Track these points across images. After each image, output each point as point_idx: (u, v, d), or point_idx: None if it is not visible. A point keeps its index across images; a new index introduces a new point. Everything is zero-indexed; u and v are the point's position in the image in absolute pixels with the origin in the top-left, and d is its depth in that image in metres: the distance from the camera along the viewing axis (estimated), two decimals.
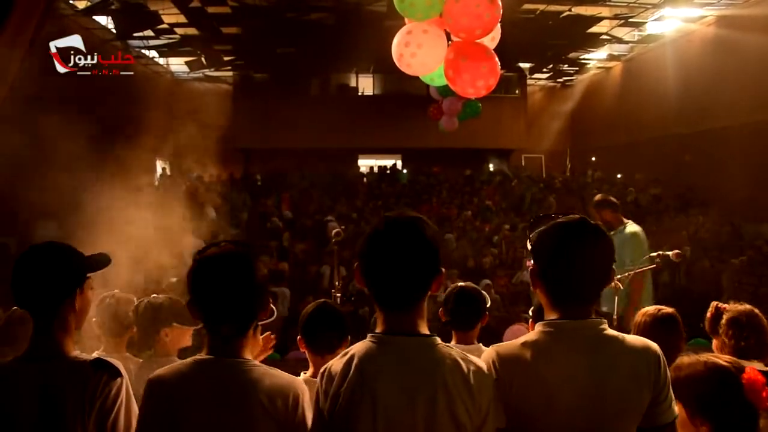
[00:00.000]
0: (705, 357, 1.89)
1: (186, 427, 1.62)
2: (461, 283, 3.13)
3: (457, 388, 1.54)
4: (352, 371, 1.57)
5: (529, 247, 1.82)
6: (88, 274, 1.97)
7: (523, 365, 1.66)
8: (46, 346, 1.84)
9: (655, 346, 1.71)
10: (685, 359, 1.93)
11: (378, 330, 1.65)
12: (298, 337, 2.53)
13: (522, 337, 1.74)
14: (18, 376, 1.79)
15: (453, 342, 2.99)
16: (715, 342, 2.81)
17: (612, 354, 1.66)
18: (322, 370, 1.66)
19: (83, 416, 1.74)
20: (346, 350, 1.65)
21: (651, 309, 2.95)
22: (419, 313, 1.65)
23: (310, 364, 2.50)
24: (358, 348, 1.62)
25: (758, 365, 2.50)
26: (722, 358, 1.88)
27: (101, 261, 2.03)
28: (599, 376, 1.63)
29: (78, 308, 1.92)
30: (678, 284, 10.19)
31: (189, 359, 1.71)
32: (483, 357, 1.72)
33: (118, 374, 1.81)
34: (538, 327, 1.73)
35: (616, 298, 4.54)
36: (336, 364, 1.62)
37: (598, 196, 5.67)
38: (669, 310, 2.90)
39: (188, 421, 1.62)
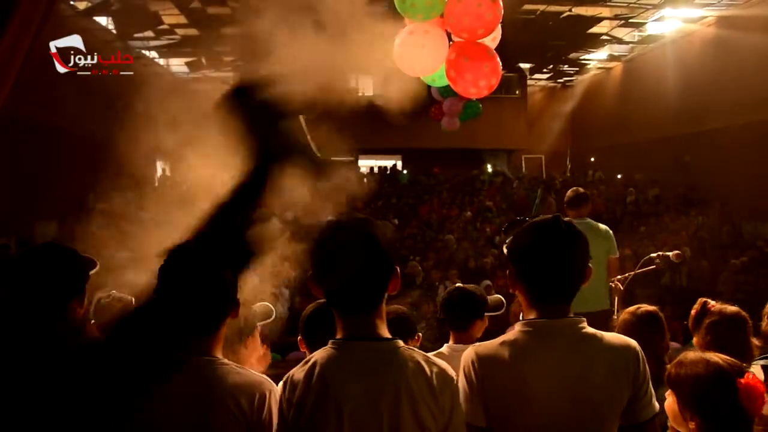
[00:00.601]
0: (709, 356, 1.90)
1: (150, 423, 1.60)
2: (459, 284, 3.14)
3: (420, 390, 1.53)
4: (314, 378, 1.55)
5: (505, 250, 1.83)
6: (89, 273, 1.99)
7: (502, 364, 1.67)
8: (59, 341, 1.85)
9: (633, 343, 1.72)
10: (689, 355, 1.94)
11: (338, 336, 1.63)
12: (299, 337, 2.53)
13: (501, 336, 1.75)
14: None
15: (451, 342, 2.99)
16: (696, 339, 2.80)
17: (591, 352, 1.68)
18: (284, 378, 1.64)
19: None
20: (308, 358, 1.63)
21: (632, 308, 2.96)
22: (379, 315, 1.63)
23: None
24: (319, 355, 1.61)
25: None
26: (725, 359, 1.88)
27: (91, 263, 2.05)
28: (578, 374, 1.65)
29: (79, 309, 1.94)
30: (678, 285, 10.19)
31: None
32: (463, 356, 1.74)
33: None
34: (517, 326, 1.75)
35: (617, 298, 4.55)
36: (298, 372, 1.61)
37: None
38: (650, 308, 2.90)
39: (149, 419, 1.59)
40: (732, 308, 2.77)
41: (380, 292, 1.62)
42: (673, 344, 5.80)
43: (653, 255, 4.79)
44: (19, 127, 10.38)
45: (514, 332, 1.74)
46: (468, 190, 17.28)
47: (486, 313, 3.05)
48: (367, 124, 20.58)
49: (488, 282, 9.04)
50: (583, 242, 1.76)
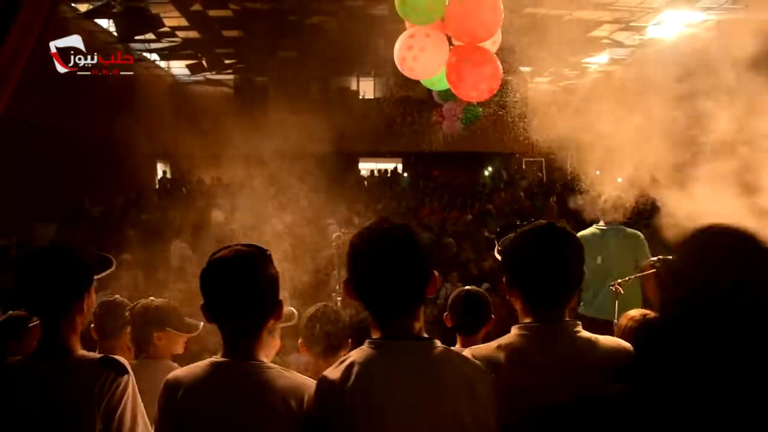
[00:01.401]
0: None
1: (201, 429, 1.64)
2: (468, 287, 3.12)
3: (459, 389, 1.54)
4: (352, 378, 1.54)
5: (497, 255, 1.84)
6: (95, 277, 1.99)
7: (498, 368, 1.68)
8: (54, 345, 1.87)
9: (627, 345, 1.73)
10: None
11: (375, 336, 1.63)
12: (299, 340, 2.53)
13: (497, 339, 1.76)
14: (27, 374, 1.82)
15: (458, 346, 2.98)
16: None
17: (582, 354, 1.69)
18: (319, 378, 1.64)
19: (91, 412, 1.76)
20: (344, 357, 1.63)
21: (636, 314, 2.95)
22: (417, 317, 1.63)
23: (312, 366, 2.51)
24: (356, 355, 1.60)
25: None
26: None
27: (105, 264, 2.05)
28: (570, 376, 1.64)
29: (85, 310, 1.94)
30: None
31: (205, 361, 1.73)
32: None
33: (125, 371, 1.84)
34: (514, 330, 1.76)
35: (617, 302, 4.53)
36: (334, 372, 1.60)
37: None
38: (651, 314, 2.88)
39: (203, 423, 1.63)
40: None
41: (419, 296, 1.63)
42: None
43: (653, 259, 4.78)
44: (20, 128, 10.38)
45: (510, 336, 1.75)
46: (468, 193, 17.27)
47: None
48: (368, 127, 20.54)
49: (488, 285, 9.03)
50: (577, 247, 1.76)
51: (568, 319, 1.76)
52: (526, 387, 1.64)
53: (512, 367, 1.67)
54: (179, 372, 1.73)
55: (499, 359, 1.68)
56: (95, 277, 2.01)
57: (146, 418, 1.87)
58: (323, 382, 1.61)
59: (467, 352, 1.74)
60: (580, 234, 5.27)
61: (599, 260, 5.07)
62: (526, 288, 1.76)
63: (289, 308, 2.60)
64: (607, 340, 1.75)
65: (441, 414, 1.52)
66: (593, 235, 5.27)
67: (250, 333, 1.72)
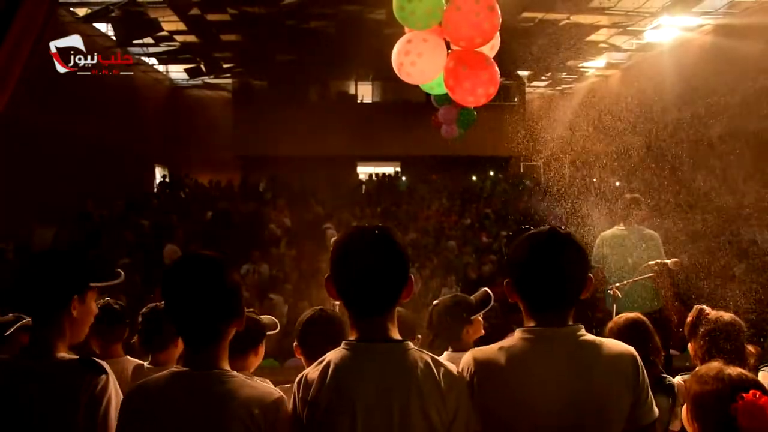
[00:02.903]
0: (725, 370, 1.89)
1: None
2: (437, 300, 3.20)
3: (429, 390, 1.59)
4: (328, 378, 1.61)
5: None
6: (92, 284, 1.98)
7: (499, 370, 1.69)
8: (37, 347, 1.87)
9: (631, 349, 1.74)
10: (703, 368, 1.95)
11: (351, 337, 1.69)
12: (294, 343, 2.53)
13: (500, 342, 1.78)
14: (4, 373, 1.82)
15: (449, 350, 3.01)
16: (691, 345, 2.81)
17: (589, 360, 1.69)
18: (298, 377, 1.70)
19: (67, 412, 1.76)
20: (322, 358, 1.69)
21: (622, 317, 3.02)
22: (390, 319, 1.70)
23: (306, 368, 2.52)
24: (333, 355, 1.67)
25: None
26: (740, 374, 1.87)
27: (109, 274, 2.04)
28: (577, 383, 1.66)
29: (77, 317, 1.93)
30: (677, 293, 10.17)
31: (166, 371, 1.71)
32: (462, 361, 1.76)
33: (102, 371, 1.82)
34: (517, 333, 1.77)
35: (615, 305, 4.55)
36: (312, 371, 1.67)
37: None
38: (632, 315, 2.96)
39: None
40: (727, 316, 2.77)
41: (394, 297, 1.69)
42: (674, 352, 5.82)
43: (651, 263, 4.80)
44: (19, 131, 10.38)
45: (512, 338, 1.76)
46: (467, 197, 17.29)
47: (475, 314, 3.06)
48: (366, 131, 20.59)
49: (486, 289, 9.03)
50: (580, 253, 1.76)
51: (571, 323, 1.76)
52: (526, 391, 1.66)
53: (514, 370, 1.68)
54: (140, 383, 1.71)
55: (501, 362, 1.70)
56: (94, 285, 1.99)
57: None
58: (303, 381, 1.67)
59: (469, 354, 1.76)
60: (603, 235, 5.41)
61: (630, 261, 5.26)
62: (527, 293, 1.77)
63: (269, 317, 2.63)
64: (611, 344, 1.75)
65: (410, 412, 1.57)
66: (618, 236, 5.46)
67: (212, 341, 1.70)
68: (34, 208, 11.27)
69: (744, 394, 1.80)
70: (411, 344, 1.68)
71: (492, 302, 3.18)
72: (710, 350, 2.64)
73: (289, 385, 1.79)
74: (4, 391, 1.79)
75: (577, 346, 1.71)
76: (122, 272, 2.12)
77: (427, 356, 1.66)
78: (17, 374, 1.81)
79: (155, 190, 18.90)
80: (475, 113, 9.28)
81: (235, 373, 1.71)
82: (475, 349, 1.80)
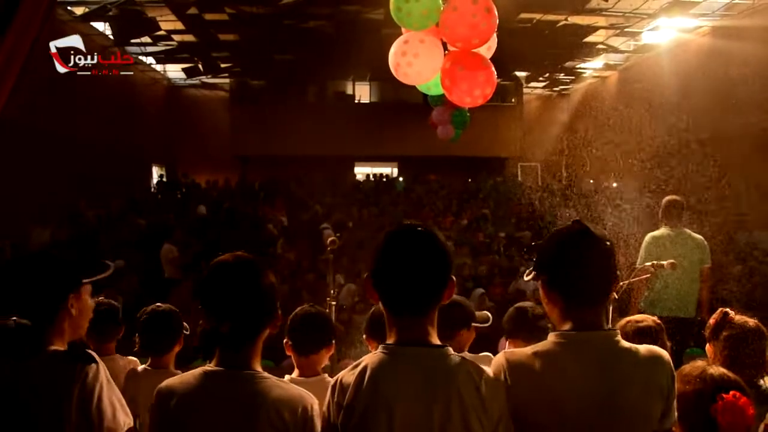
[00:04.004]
0: (709, 370, 1.92)
1: None
2: None
3: (470, 397, 1.54)
4: (365, 383, 1.56)
5: (532, 263, 1.84)
6: (84, 281, 1.98)
7: (533, 375, 1.65)
8: (31, 345, 1.86)
9: (667, 356, 1.71)
10: (686, 368, 1.97)
11: (389, 341, 1.64)
12: (285, 339, 2.54)
13: (533, 346, 1.74)
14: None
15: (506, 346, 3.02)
16: (709, 347, 2.78)
17: (625, 367, 1.65)
18: (333, 381, 1.65)
19: (62, 402, 1.75)
20: (358, 361, 1.64)
21: (633, 319, 2.94)
22: (431, 323, 1.65)
23: (295, 366, 2.53)
24: (370, 359, 1.61)
25: None
26: (723, 374, 1.90)
27: (99, 268, 2.04)
28: (611, 390, 1.62)
29: (75, 315, 1.94)
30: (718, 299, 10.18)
31: (198, 369, 1.72)
32: (493, 363, 1.72)
33: (92, 360, 1.82)
34: (551, 337, 1.73)
35: (610, 307, 4.55)
36: (347, 375, 1.62)
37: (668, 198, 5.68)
38: (648, 321, 2.86)
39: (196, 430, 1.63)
40: (752, 322, 2.73)
41: (436, 297, 1.65)
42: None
43: (648, 263, 4.79)
44: (15, 131, 10.36)
45: (547, 342, 1.72)
46: (464, 197, 17.31)
47: (473, 324, 3.06)
48: (364, 131, 20.58)
49: (482, 290, 9.05)
50: (609, 249, 1.75)
51: (607, 327, 1.73)
52: (559, 396, 1.62)
53: (548, 375, 1.64)
54: (172, 381, 1.72)
55: (535, 366, 1.66)
56: (86, 281, 2.00)
57: (126, 406, 1.85)
58: (338, 384, 1.62)
59: (502, 356, 1.73)
60: (652, 235, 5.38)
61: (686, 262, 5.20)
62: (565, 285, 1.73)
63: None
64: (647, 350, 1.71)
65: (451, 422, 1.52)
66: (668, 236, 5.41)
67: (246, 342, 1.72)
68: (31, 208, 11.26)
69: (724, 395, 1.82)
70: (451, 350, 1.63)
71: (489, 323, 3.18)
72: (731, 354, 2.62)
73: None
74: None
75: (614, 353, 1.67)
76: (111, 264, 2.11)
77: (467, 362, 1.62)
78: (8, 369, 1.81)
79: (153, 189, 18.89)
80: (469, 114, 9.29)
81: (266, 374, 1.72)
82: (507, 351, 1.75)
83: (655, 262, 4.83)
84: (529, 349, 1.71)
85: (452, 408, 1.53)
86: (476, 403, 1.54)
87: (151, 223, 13.04)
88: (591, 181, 18.99)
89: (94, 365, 1.80)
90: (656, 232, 5.48)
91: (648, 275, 4.75)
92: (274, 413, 1.62)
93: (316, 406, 1.70)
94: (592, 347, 1.68)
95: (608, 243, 1.75)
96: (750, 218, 12.64)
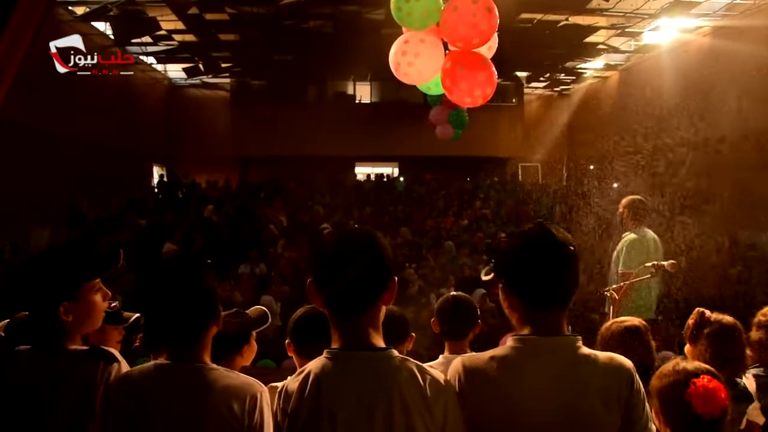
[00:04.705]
0: (682, 364, 1.95)
1: (144, 429, 1.68)
2: (454, 293, 3.12)
3: (414, 400, 1.53)
4: (308, 389, 1.56)
5: (489, 267, 1.82)
6: (88, 279, 1.98)
7: (488, 380, 1.63)
8: (45, 342, 1.89)
9: (628, 363, 1.67)
10: (667, 366, 1.98)
11: (334, 345, 1.64)
12: (287, 341, 2.53)
13: (491, 350, 1.71)
14: (23, 367, 1.85)
15: (446, 352, 2.98)
16: (690, 348, 2.79)
17: (583, 374, 1.62)
18: (279, 388, 1.66)
19: (84, 402, 1.78)
20: (302, 368, 1.65)
21: (619, 319, 2.95)
22: (373, 324, 1.64)
23: (297, 368, 2.51)
24: (314, 365, 1.62)
25: None
26: (698, 366, 1.93)
27: (105, 263, 2.04)
28: (568, 397, 1.59)
29: (82, 312, 1.94)
30: (675, 294, 10.18)
31: (150, 363, 1.79)
32: (450, 367, 1.70)
33: (114, 359, 1.86)
34: (509, 341, 1.69)
35: (611, 308, 4.54)
36: (292, 382, 1.63)
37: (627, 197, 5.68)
38: (634, 321, 2.86)
39: (146, 423, 1.67)
40: (729, 318, 2.76)
41: (373, 295, 1.64)
42: (668, 353, 5.82)
43: (648, 264, 4.78)
44: (14, 131, 10.37)
45: (505, 347, 1.69)
46: (465, 198, 17.30)
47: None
48: (365, 131, 20.58)
49: (483, 290, 9.04)
50: (574, 254, 1.71)
51: (568, 333, 1.70)
52: (517, 402, 1.60)
53: (504, 380, 1.62)
54: (130, 371, 1.79)
55: (492, 371, 1.63)
56: (94, 277, 2.00)
57: None
58: (283, 392, 1.63)
59: (458, 361, 1.70)
60: (631, 239, 5.32)
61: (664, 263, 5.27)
62: (524, 290, 1.70)
63: (258, 308, 2.62)
64: (606, 357, 1.67)
65: (393, 425, 1.51)
66: (645, 239, 5.38)
67: (191, 338, 1.78)
68: (30, 208, 11.26)
69: (695, 380, 1.84)
70: (395, 352, 1.62)
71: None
72: (715, 351, 2.63)
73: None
74: (23, 382, 1.82)
75: (573, 359, 1.63)
76: (119, 255, 2.11)
77: (412, 364, 1.60)
78: (35, 366, 1.84)
79: (153, 189, 18.89)
80: (467, 114, 9.27)
81: (215, 366, 1.76)
82: (464, 356, 1.73)
83: (655, 262, 4.82)
84: (487, 354, 1.69)
85: (395, 411, 1.52)
86: (420, 405, 1.53)
87: (151, 223, 13.04)
88: (589, 182, 18.99)
89: (116, 364, 1.85)
90: (632, 236, 5.40)
91: (648, 276, 4.74)
92: (222, 403, 1.66)
93: (265, 395, 1.73)
94: (551, 353, 1.65)
95: (571, 247, 1.71)
96: (749, 219, 12.62)
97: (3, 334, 2.39)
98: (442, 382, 1.60)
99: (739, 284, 9.86)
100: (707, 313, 2.78)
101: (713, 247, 12.40)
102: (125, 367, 1.88)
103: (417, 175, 19.86)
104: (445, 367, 2.69)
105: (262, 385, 1.75)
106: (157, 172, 20.92)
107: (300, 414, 1.55)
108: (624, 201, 5.56)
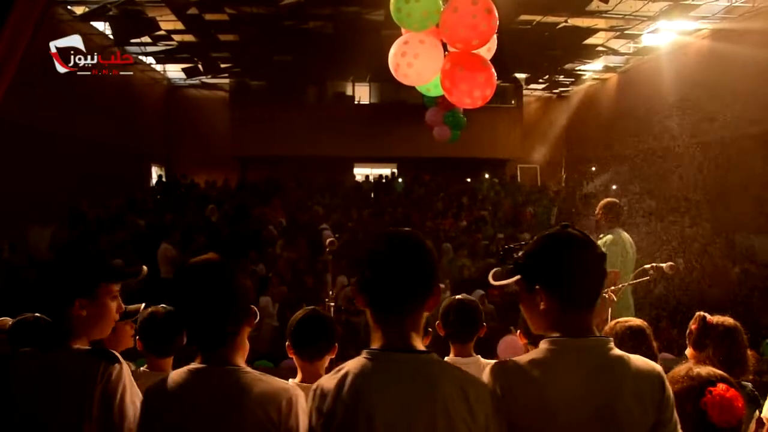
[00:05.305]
0: (696, 369, 1.94)
1: None
2: (459, 296, 3.11)
3: (456, 404, 1.52)
4: (346, 389, 1.54)
5: (495, 281, 1.82)
6: (108, 283, 2.00)
7: (526, 383, 1.63)
8: (50, 340, 1.91)
9: (658, 367, 1.69)
10: (676, 371, 1.97)
11: (374, 346, 1.62)
12: (287, 343, 2.53)
13: (527, 354, 1.72)
14: (24, 366, 1.86)
15: (451, 355, 2.99)
16: (693, 352, 2.78)
17: (617, 376, 1.63)
18: (314, 387, 1.64)
19: (83, 401, 1.78)
20: (340, 367, 1.62)
21: (621, 321, 2.95)
22: (414, 327, 1.63)
23: (298, 370, 2.51)
24: (352, 365, 1.59)
25: None
26: (710, 372, 1.92)
27: (126, 272, 2.06)
28: (604, 398, 1.60)
29: (93, 314, 1.95)
30: (672, 297, 10.19)
31: (183, 368, 1.74)
32: (486, 372, 1.69)
33: (116, 360, 1.85)
34: (543, 344, 1.70)
35: (610, 309, 4.54)
36: (328, 381, 1.60)
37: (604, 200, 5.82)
38: (637, 322, 2.86)
39: (187, 428, 1.65)
40: (730, 320, 2.76)
41: (418, 297, 1.63)
42: (668, 355, 5.83)
43: (647, 266, 4.78)
44: (14, 130, 10.36)
45: (539, 350, 1.70)
46: (463, 199, 17.29)
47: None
48: (364, 132, 20.56)
49: (481, 291, 9.04)
50: (602, 253, 1.75)
51: (600, 334, 1.72)
52: (552, 404, 1.60)
53: (541, 383, 1.62)
54: (159, 380, 1.75)
55: (529, 374, 1.64)
56: (114, 280, 2.01)
57: None
58: (319, 390, 1.61)
59: (496, 365, 1.70)
60: (610, 239, 5.44)
61: (628, 265, 5.33)
62: (563, 292, 1.70)
63: (134, 306, 2.63)
64: (638, 360, 1.68)
65: (435, 429, 1.50)
66: (620, 239, 5.51)
67: (227, 339, 1.74)
68: (29, 208, 11.24)
69: (712, 389, 1.84)
70: (436, 356, 1.61)
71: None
72: (720, 357, 2.63)
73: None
74: (24, 380, 1.83)
75: (606, 361, 1.66)
76: (142, 270, 2.13)
77: (453, 368, 1.61)
78: (36, 364, 1.85)
79: (152, 189, 18.88)
80: (463, 115, 9.26)
81: (249, 369, 1.74)
82: (501, 360, 1.74)
83: (654, 264, 4.83)
84: (523, 358, 1.69)
85: (437, 415, 1.50)
86: (462, 410, 1.52)
87: (150, 223, 13.02)
88: (591, 183, 19.01)
89: (117, 365, 1.85)
90: (611, 236, 5.52)
91: (647, 278, 4.74)
92: (258, 408, 1.64)
93: (301, 399, 1.70)
94: (585, 354, 1.66)
95: (596, 246, 1.74)
96: (747, 222, 12.63)
97: (6, 336, 2.41)
98: (483, 386, 1.60)
99: (738, 286, 9.86)
100: (708, 316, 2.77)
101: (712, 249, 12.41)
102: (127, 369, 1.88)
103: (416, 177, 19.84)
104: None
105: (297, 387, 1.73)
106: (156, 172, 20.91)
107: (336, 414, 1.53)
108: (600, 203, 5.72)
